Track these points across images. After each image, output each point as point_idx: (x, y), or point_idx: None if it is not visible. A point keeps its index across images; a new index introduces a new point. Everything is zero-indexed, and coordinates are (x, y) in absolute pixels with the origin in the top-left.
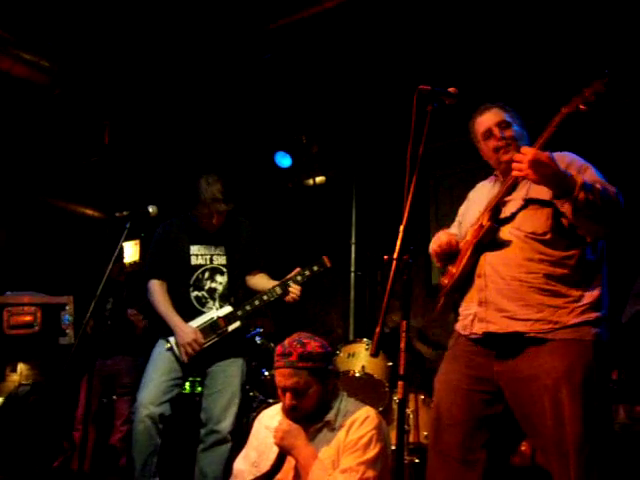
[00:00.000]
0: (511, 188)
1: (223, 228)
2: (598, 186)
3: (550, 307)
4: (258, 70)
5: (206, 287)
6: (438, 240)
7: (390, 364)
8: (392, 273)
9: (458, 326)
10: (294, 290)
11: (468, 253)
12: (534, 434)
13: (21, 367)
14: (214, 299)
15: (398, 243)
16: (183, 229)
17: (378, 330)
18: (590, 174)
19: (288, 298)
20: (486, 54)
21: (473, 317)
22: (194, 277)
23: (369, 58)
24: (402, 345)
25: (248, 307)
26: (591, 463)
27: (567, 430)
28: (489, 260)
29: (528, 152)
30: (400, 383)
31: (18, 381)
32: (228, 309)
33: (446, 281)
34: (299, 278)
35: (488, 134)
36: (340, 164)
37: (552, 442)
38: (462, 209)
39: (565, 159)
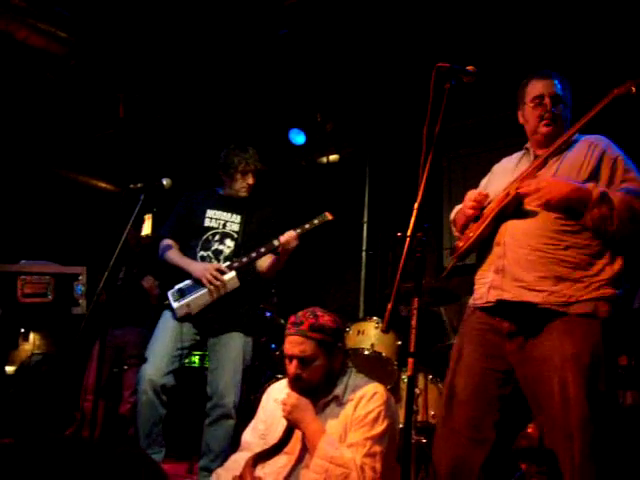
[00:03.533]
0: (542, 165)
1: (245, 201)
2: (620, 200)
3: (567, 280)
4: (274, 46)
5: (213, 248)
6: (471, 197)
7: (399, 343)
8: (405, 250)
9: (472, 298)
10: (287, 235)
11: (489, 219)
12: (542, 414)
13: (33, 336)
14: (218, 260)
15: (412, 220)
16: (205, 197)
17: (390, 307)
18: (622, 169)
19: (282, 241)
20: (506, 32)
21: (489, 285)
22: (204, 238)
23: (386, 35)
24: (413, 322)
25: (245, 259)
26: (595, 445)
27: (572, 411)
28: (510, 229)
29: (542, 188)
30: (410, 360)
31: (30, 351)
32: (226, 264)
33: (461, 244)
34: (298, 230)
35: (539, 101)
36: (354, 143)
37: (558, 423)
38: (484, 181)
39: (597, 149)
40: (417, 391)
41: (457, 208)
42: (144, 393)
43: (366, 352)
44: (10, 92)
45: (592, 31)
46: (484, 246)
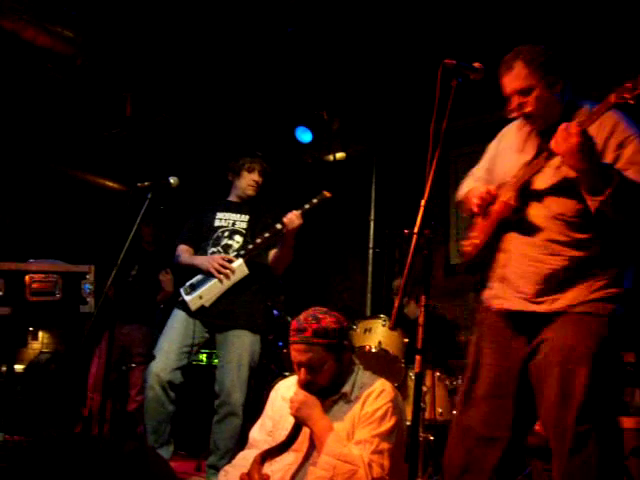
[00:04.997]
0: (549, 156)
1: (253, 200)
2: (632, 178)
3: (568, 290)
4: (281, 44)
5: (222, 243)
6: (476, 194)
7: (406, 340)
8: (412, 247)
9: (483, 296)
10: (290, 214)
11: (493, 227)
12: (541, 409)
13: (42, 335)
14: (227, 254)
15: (419, 217)
16: (215, 204)
17: (397, 304)
18: (633, 150)
19: (286, 220)
20: (512, 28)
21: (493, 293)
22: (215, 236)
23: (391, 32)
24: (421, 319)
25: (250, 246)
26: (589, 442)
27: (571, 405)
28: (514, 237)
29: (573, 134)
30: (418, 357)
31: (39, 349)
32: (233, 254)
33: (469, 248)
34: (299, 211)
35: (510, 102)
36: (361, 141)
37: (554, 417)
38: (492, 151)
39: (608, 125)
40: (424, 388)
41: (464, 188)
42: (151, 389)
43: (373, 350)
44: (17, 92)
45: (598, 27)
46: (490, 249)
